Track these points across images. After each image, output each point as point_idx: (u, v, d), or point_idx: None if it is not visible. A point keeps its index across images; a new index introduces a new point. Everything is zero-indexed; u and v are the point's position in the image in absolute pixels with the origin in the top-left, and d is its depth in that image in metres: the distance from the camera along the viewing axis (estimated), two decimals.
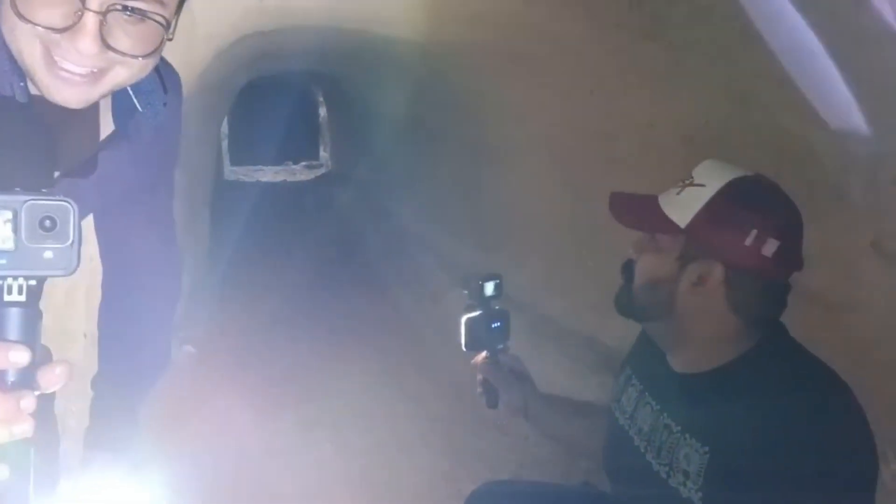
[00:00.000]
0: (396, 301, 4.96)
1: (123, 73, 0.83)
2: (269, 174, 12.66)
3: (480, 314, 1.39)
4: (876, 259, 1.80)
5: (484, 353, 1.42)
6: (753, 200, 1.05)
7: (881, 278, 1.82)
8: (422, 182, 6.23)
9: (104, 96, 0.86)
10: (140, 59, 0.82)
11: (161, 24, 0.81)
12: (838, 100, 1.81)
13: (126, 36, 0.79)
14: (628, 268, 1.20)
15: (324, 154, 13.27)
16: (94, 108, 0.95)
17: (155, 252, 1.17)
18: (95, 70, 0.80)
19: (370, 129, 8.03)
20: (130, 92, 0.98)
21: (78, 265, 0.63)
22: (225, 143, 11.39)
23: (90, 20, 0.75)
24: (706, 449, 1.03)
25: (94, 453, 1.14)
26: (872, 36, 1.54)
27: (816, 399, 0.98)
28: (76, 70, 0.79)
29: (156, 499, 1.13)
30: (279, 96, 12.43)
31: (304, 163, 13.30)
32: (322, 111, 12.89)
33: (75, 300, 2.11)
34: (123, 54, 0.80)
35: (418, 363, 3.82)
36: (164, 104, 1.01)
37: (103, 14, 0.76)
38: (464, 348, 1.39)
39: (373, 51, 4.62)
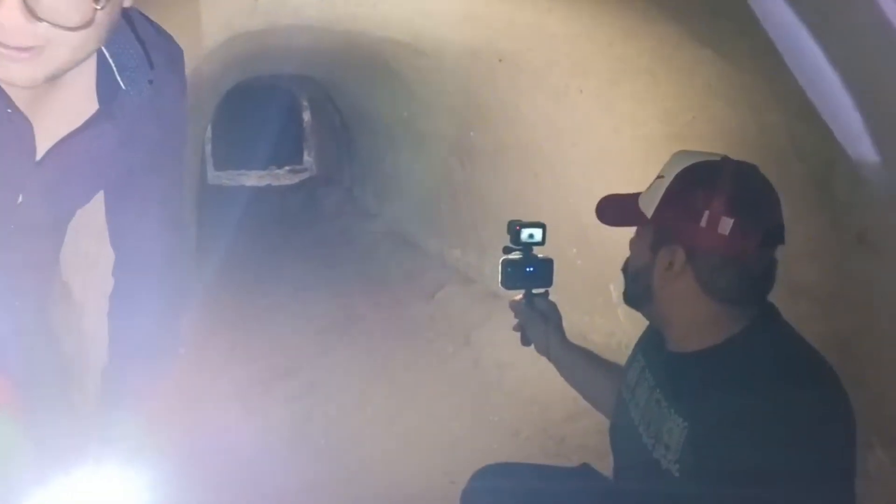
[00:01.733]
0: (386, 300, 4.98)
1: (63, 53, 0.79)
2: (252, 178, 12.62)
3: (518, 258, 1.51)
4: (861, 252, 1.85)
5: (521, 294, 1.54)
6: (703, 183, 1.10)
7: (866, 271, 1.87)
8: (410, 184, 6.26)
9: (51, 78, 0.82)
10: (73, 32, 0.76)
11: None
12: (825, 95, 1.86)
13: (57, 5, 0.74)
14: (626, 265, 1.30)
15: (308, 158, 13.26)
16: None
17: (165, 235, 1.15)
18: (33, 46, 0.76)
19: (356, 131, 8.05)
20: (114, 69, 0.95)
21: None
22: (208, 148, 11.33)
23: None
24: (686, 424, 1.08)
25: (104, 445, 1.14)
26: (858, 32, 1.59)
27: (795, 383, 1.02)
28: (10, 44, 0.75)
29: (151, 494, 1.13)
30: (262, 101, 12.42)
31: (288, 167, 13.29)
32: (306, 115, 12.88)
33: (72, 295, 2.11)
34: (52, 24, 0.75)
35: (410, 360, 3.84)
36: (151, 81, 0.97)
37: None
38: (500, 285, 1.53)
39: (361, 52, 4.64)
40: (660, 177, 1.18)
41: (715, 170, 1.12)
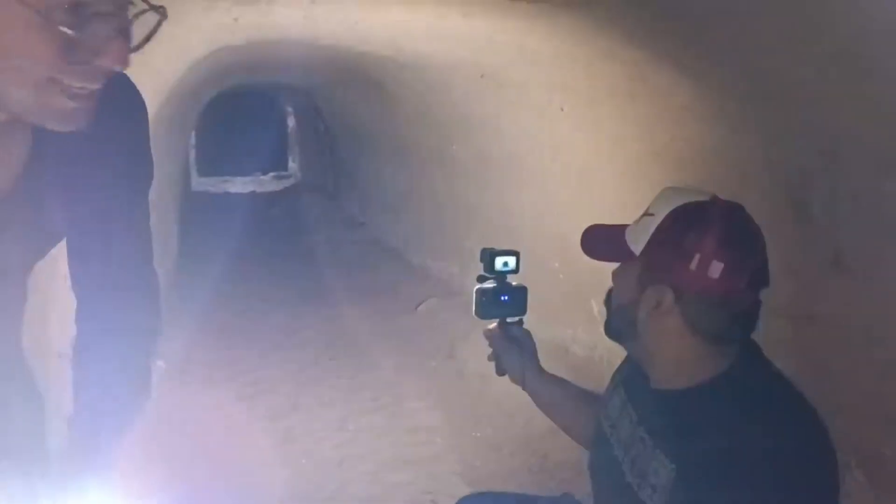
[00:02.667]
0: (370, 311, 4.97)
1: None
2: (237, 185, 12.58)
3: (492, 286, 1.49)
4: (837, 273, 1.87)
5: (495, 323, 1.52)
6: (694, 225, 1.10)
7: (842, 292, 1.89)
8: (394, 194, 6.26)
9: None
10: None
11: None
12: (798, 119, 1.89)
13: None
14: (608, 297, 1.27)
15: (292, 165, 13.23)
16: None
17: (129, 280, 1.08)
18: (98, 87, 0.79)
19: (341, 139, 8.05)
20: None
21: None
22: (192, 154, 11.28)
23: (122, 42, 0.77)
24: (673, 466, 1.07)
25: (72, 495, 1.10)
26: (836, 54, 1.62)
27: (781, 428, 1.02)
28: (88, 86, 0.78)
29: None
30: (247, 107, 12.39)
31: (272, 173, 13.25)
32: (291, 122, 12.87)
33: (50, 319, 2.09)
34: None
35: (394, 375, 3.84)
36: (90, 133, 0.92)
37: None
38: (473, 315, 1.50)
39: (344, 64, 4.64)
40: (649, 214, 1.16)
41: (705, 211, 1.11)
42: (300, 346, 4.35)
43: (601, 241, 1.26)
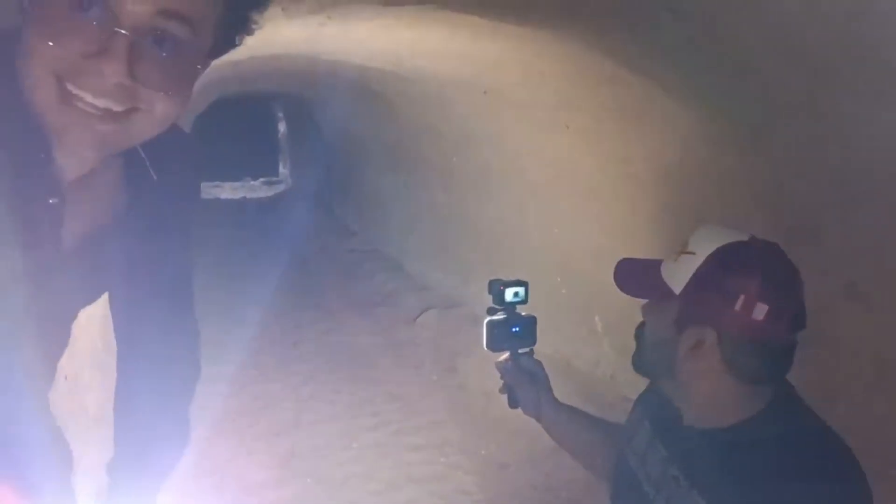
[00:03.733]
0: (369, 323, 4.95)
1: (142, 123, 0.74)
2: (227, 190, 12.50)
3: (502, 318, 1.47)
4: (851, 301, 1.88)
5: (506, 355, 1.50)
6: (740, 267, 1.09)
7: (854, 319, 1.90)
8: (391, 203, 6.25)
9: (117, 150, 0.78)
10: (164, 100, 0.73)
11: (194, 60, 0.72)
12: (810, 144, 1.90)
13: (156, 69, 0.71)
14: (639, 331, 1.25)
15: (283, 170, 13.18)
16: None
17: (172, 329, 1.09)
18: (116, 109, 0.71)
19: (336, 146, 8.02)
20: (144, 157, 0.89)
21: None
22: None
23: (120, 43, 0.68)
24: None
25: None
26: (848, 78, 1.63)
27: (823, 470, 1.02)
28: (96, 102, 0.70)
29: None
30: (237, 111, 12.31)
31: (263, 179, 13.19)
32: (282, 127, 12.81)
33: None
34: (150, 89, 0.71)
35: (395, 389, 3.83)
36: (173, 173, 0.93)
37: (133, 39, 0.68)
38: (485, 348, 1.48)
39: (345, 75, 4.63)
40: (689, 252, 1.15)
41: (748, 252, 1.11)
42: (299, 359, 4.33)
43: (636, 276, 1.23)
